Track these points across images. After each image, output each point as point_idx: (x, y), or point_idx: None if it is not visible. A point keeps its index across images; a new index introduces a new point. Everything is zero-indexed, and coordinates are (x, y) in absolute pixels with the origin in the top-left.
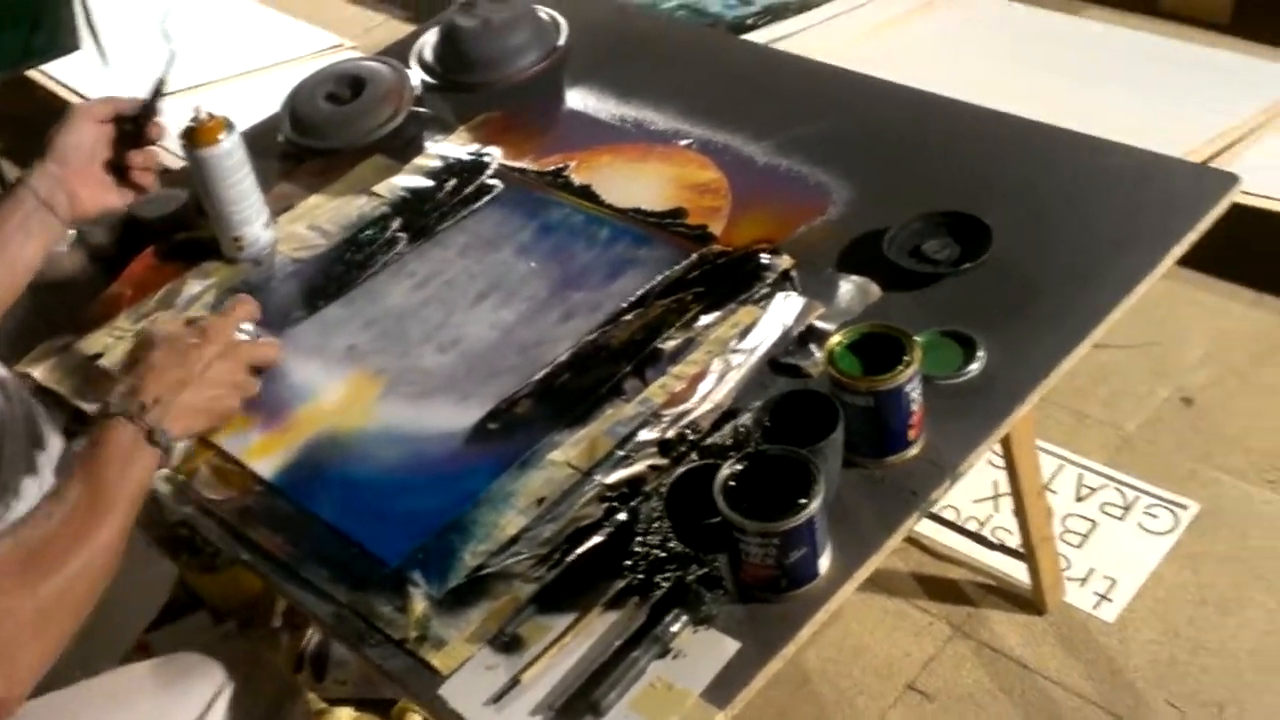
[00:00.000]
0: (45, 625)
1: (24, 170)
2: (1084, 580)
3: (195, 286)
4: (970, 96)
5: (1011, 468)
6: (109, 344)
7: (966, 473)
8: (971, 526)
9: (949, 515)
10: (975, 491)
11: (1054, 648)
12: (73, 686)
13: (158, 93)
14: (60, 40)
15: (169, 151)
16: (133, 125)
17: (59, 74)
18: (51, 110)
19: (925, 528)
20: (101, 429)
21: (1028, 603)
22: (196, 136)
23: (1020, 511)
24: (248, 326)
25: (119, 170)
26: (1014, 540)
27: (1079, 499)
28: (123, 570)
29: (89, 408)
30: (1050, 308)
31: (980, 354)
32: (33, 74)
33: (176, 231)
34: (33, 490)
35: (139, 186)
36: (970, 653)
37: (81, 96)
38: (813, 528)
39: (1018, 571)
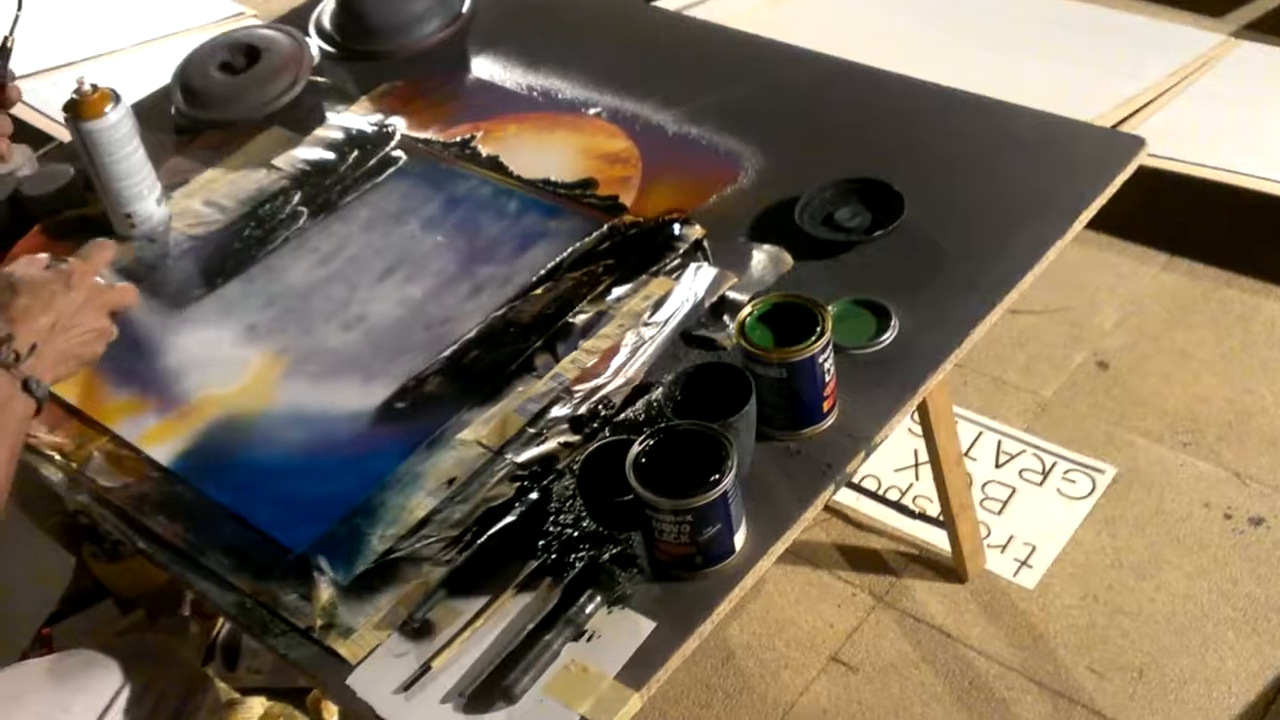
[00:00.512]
0: None
1: None
2: (1004, 547)
3: (105, 269)
4: (880, 62)
5: (930, 437)
6: None
7: (882, 443)
8: (892, 496)
9: (870, 485)
10: (896, 460)
11: (976, 616)
12: None
13: (5, 54)
14: None
15: (58, 124)
16: None
17: None
18: None
19: (846, 498)
20: None
21: (949, 571)
22: (81, 109)
23: (939, 480)
24: (105, 271)
25: None
26: (935, 509)
27: (998, 465)
28: (17, 562)
29: None
30: (962, 275)
31: (893, 323)
32: None
33: (65, 209)
34: None
35: None
36: (893, 622)
37: None
38: (726, 503)
39: (939, 540)
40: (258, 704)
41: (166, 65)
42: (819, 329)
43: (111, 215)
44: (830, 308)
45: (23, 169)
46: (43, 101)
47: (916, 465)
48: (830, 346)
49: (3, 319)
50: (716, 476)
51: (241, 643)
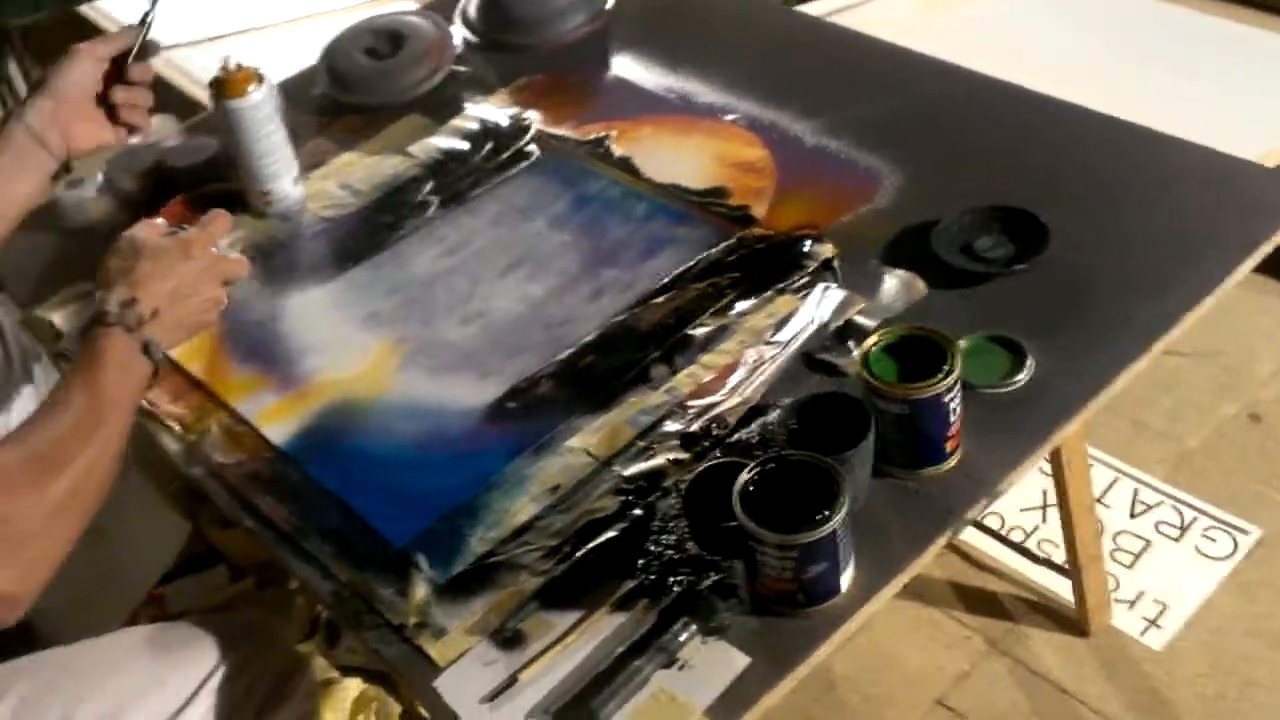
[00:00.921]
0: (53, 525)
1: (18, 106)
2: (1133, 603)
3: (222, 240)
4: (1035, 82)
5: (1060, 480)
6: None
7: (1007, 491)
8: (1016, 537)
9: (993, 523)
10: (1023, 500)
11: (1096, 673)
12: (72, 646)
13: (144, 31)
14: None
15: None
16: (125, 64)
17: (114, 11)
18: None
19: (967, 534)
20: (98, 337)
21: (1071, 623)
22: (225, 88)
23: (1068, 528)
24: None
25: (112, 108)
26: (1061, 555)
27: (1133, 515)
28: (133, 524)
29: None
30: (1108, 316)
31: (1029, 363)
32: (85, 10)
33: (207, 181)
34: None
35: (131, 125)
36: (1006, 671)
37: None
38: (835, 542)
39: (1062, 589)
40: (354, 686)
41: (317, 43)
42: (947, 366)
43: (249, 192)
44: (961, 343)
45: (168, 140)
46: (199, 69)
47: (1045, 506)
48: (958, 385)
49: (126, 282)
50: (826, 513)
51: None
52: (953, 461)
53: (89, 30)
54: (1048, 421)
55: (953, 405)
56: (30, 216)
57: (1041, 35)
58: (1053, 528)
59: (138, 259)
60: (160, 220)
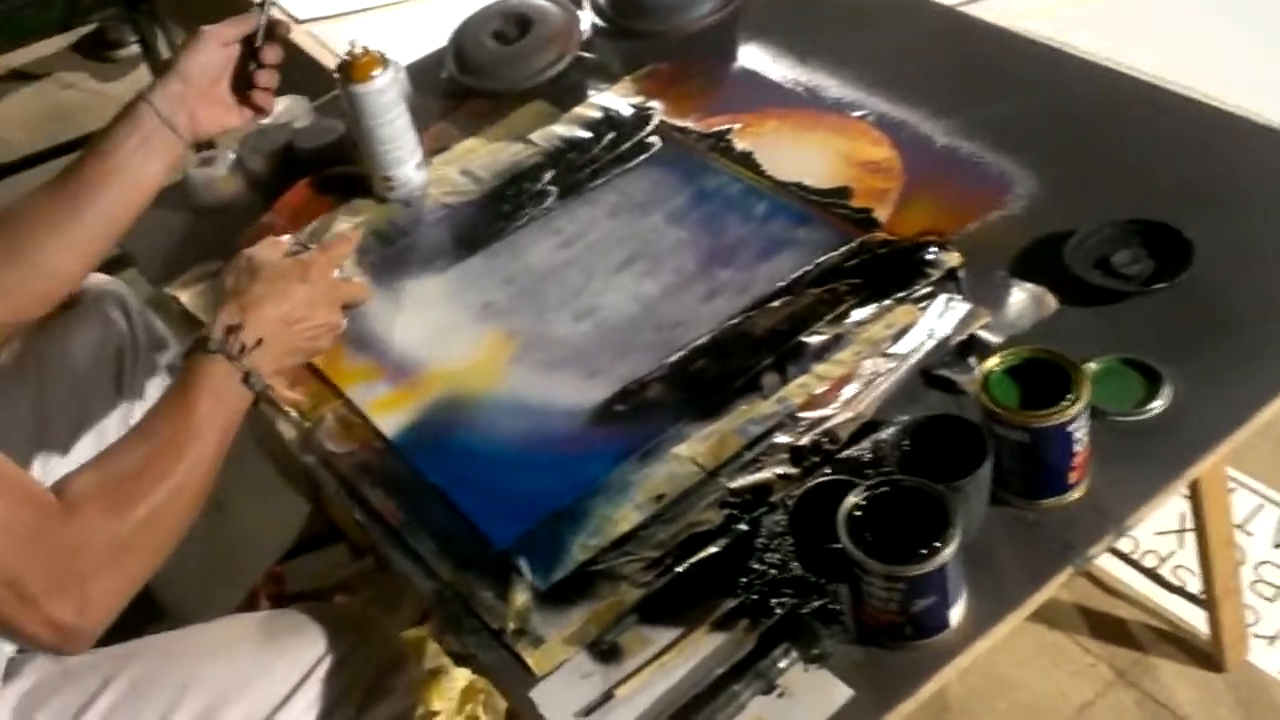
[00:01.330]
0: (124, 557)
1: (146, 89)
2: (1273, 639)
3: (344, 223)
4: (1191, 80)
5: (1198, 508)
6: None
7: (1135, 526)
8: (1149, 562)
9: (1125, 547)
10: (1158, 523)
11: (1230, 711)
12: (180, 630)
13: (265, 12)
14: None
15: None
16: (252, 46)
17: None
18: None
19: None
20: (198, 363)
21: (1205, 656)
22: (351, 72)
23: (1205, 558)
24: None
25: (239, 90)
26: (1196, 584)
27: (1277, 546)
28: (254, 505)
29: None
30: (1255, 340)
31: (1166, 389)
32: None
33: (333, 164)
34: None
35: (259, 107)
36: (1133, 703)
37: (280, 8)
38: (944, 575)
39: (1197, 620)
40: (461, 677)
41: (452, 21)
42: (1073, 394)
43: (371, 176)
44: (1093, 365)
45: (298, 120)
46: (336, 43)
47: (1182, 531)
48: (1085, 414)
49: (236, 304)
50: (937, 545)
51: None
52: (1077, 493)
53: (230, 3)
54: (1184, 453)
55: (1077, 435)
56: (160, 194)
57: (1203, 24)
58: (1189, 553)
59: (253, 280)
60: (286, 238)
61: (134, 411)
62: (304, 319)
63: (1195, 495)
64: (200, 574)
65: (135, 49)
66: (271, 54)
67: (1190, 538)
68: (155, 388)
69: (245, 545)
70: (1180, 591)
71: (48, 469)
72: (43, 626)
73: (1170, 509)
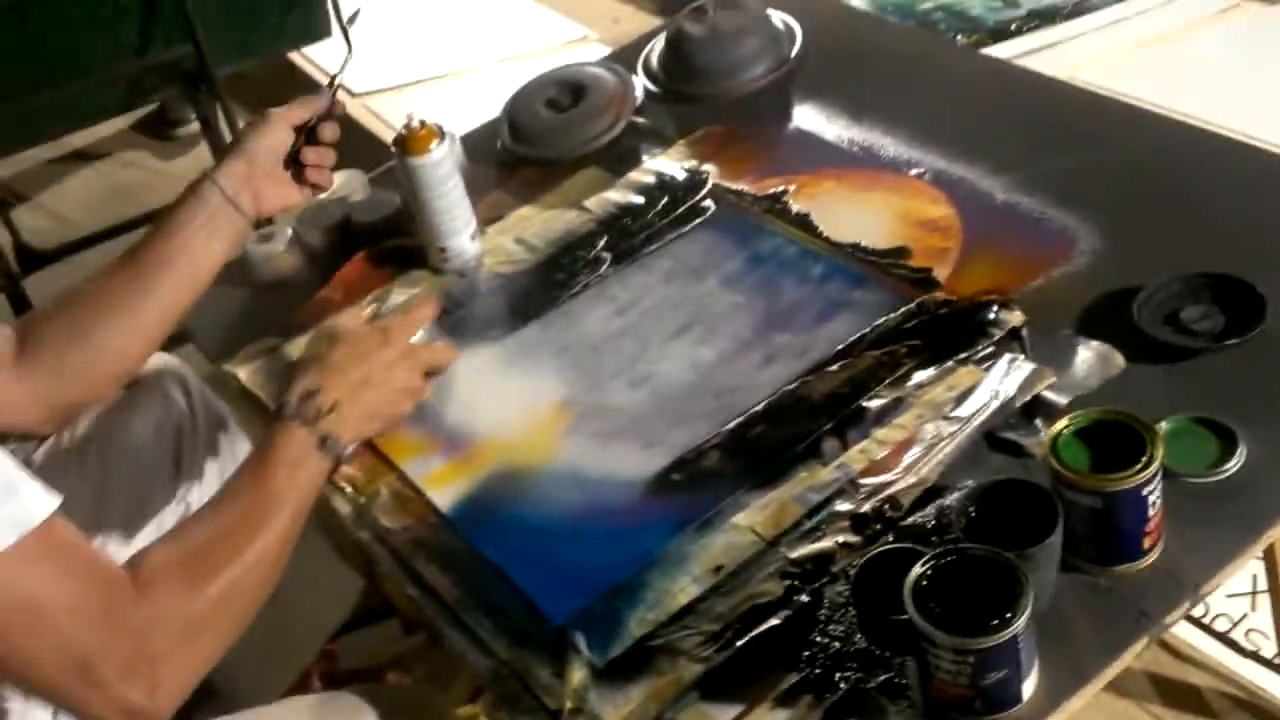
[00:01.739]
0: (197, 635)
1: (211, 169)
2: None
3: (400, 295)
4: (1260, 131)
5: (1273, 571)
6: None
7: (1212, 593)
8: (1221, 626)
9: (1196, 610)
10: (1230, 585)
11: None
12: (237, 715)
13: (334, 94)
14: (310, 27)
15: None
16: (313, 125)
17: (318, 58)
18: (309, 93)
19: None
20: (274, 431)
21: None
22: (407, 145)
23: (1279, 622)
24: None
25: (299, 168)
26: (1271, 648)
27: None
28: (308, 581)
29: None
30: None
31: (1241, 449)
32: (294, 56)
33: (389, 236)
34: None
35: (317, 185)
36: None
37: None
38: (1016, 647)
39: (1272, 685)
40: None
41: (509, 87)
42: (1146, 456)
43: (427, 248)
44: (1164, 425)
45: (355, 194)
46: (392, 114)
47: (1254, 593)
48: (1159, 477)
49: (315, 370)
50: (1009, 616)
51: None
52: (1151, 558)
53: (293, 77)
54: (1262, 515)
55: (1152, 499)
56: (220, 270)
57: (1268, 71)
58: (1263, 616)
59: (331, 346)
60: (368, 310)
61: (192, 491)
62: (384, 382)
63: (1270, 556)
64: (253, 651)
65: (195, 127)
66: (330, 132)
67: (1263, 600)
68: (214, 467)
69: (299, 622)
70: (1254, 656)
71: (108, 548)
72: (112, 709)
73: (1243, 570)
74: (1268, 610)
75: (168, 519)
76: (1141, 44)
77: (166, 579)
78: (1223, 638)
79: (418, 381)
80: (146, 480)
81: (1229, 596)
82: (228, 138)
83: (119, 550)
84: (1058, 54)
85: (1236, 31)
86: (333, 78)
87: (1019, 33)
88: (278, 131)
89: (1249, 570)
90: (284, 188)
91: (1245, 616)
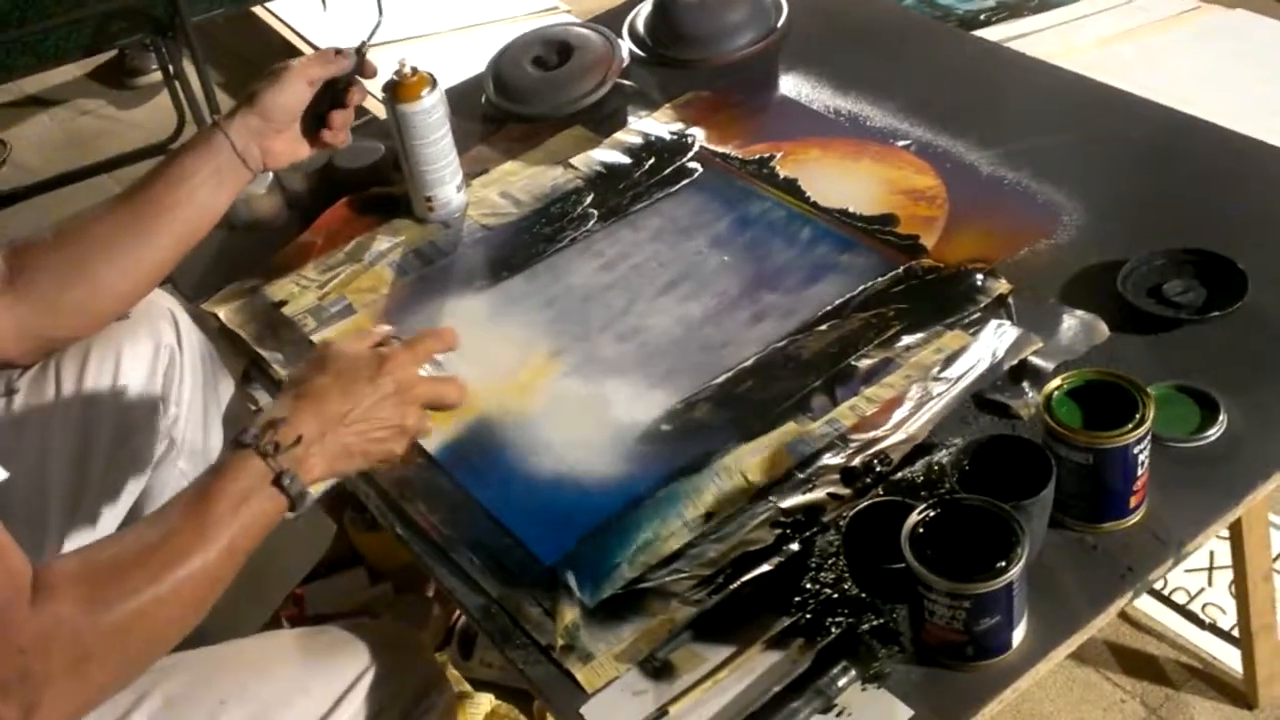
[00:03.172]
0: (87, 666)
1: (222, 115)
2: None
3: (384, 243)
4: (1232, 123)
5: (1237, 543)
6: (294, 292)
7: (1194, 552)
8: (1180, 599)
9: (1156, 584)
10: (1189, 560)
11: None
12: (217, 646)
13: (361, 56)
14: None
15: (375, 99)
16: (335, 85)
17: (283, 13)
18: (270, 49)
19: None
20: (229, 457)
21: (1237, 693)
22: (399, 91)
23: (1241, 593)
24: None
25: (313, 125)
26: (1228, 621)
27: None
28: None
29: (268, 355)
30: None
31: (1222, 417)
32: (258, 11)
33: (372, 184)
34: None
35: (331, 144)
36: None
37: (302, 38)
38: (1010, 594)
39: (1229, 657)
40: (486, 701)
41: (480, 53)
42: (1139, 415)
43: (413, 197)
44: (1150, 391)
45: None
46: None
47: (1211, 568)
48: (1149, 436)
49: (291, 395)
50: (1004, 564)
51: (479, 634)
52: (1136, 517)
53: (256, 32)
54: (1241, 481)
55: (1141, 458)
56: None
57: (1242, 75)
58: (1219, 591)
59: (320, 371)
60: (384, 328)
61: (176, 426)
62: (367, 419)
63: (1235, 528)
64: (225, 593)
65: (155, 77)
66: (357, 95)
67: (1219, 575)
68: (198, 403)
69: (270, 566)
70: (1212, 628)
71: (89, 482)
72: None
73: (1201, 547)
74: (1224, 585)
75: (152, 453)
76: (1102, 41)
77: (67, 593)
78: (1182, 610)
79: (412, 420)
80: (131, 413)
81: (1187, 571)
82: (196, 87)
83: (100, 488)
84: (1023, 46)
85: (1196, 32)
86: (362, 42)
87: (987, 24)
88: (295, 87)
89: (1207, 546)
90: (294, 144)
91: (1203, 590)
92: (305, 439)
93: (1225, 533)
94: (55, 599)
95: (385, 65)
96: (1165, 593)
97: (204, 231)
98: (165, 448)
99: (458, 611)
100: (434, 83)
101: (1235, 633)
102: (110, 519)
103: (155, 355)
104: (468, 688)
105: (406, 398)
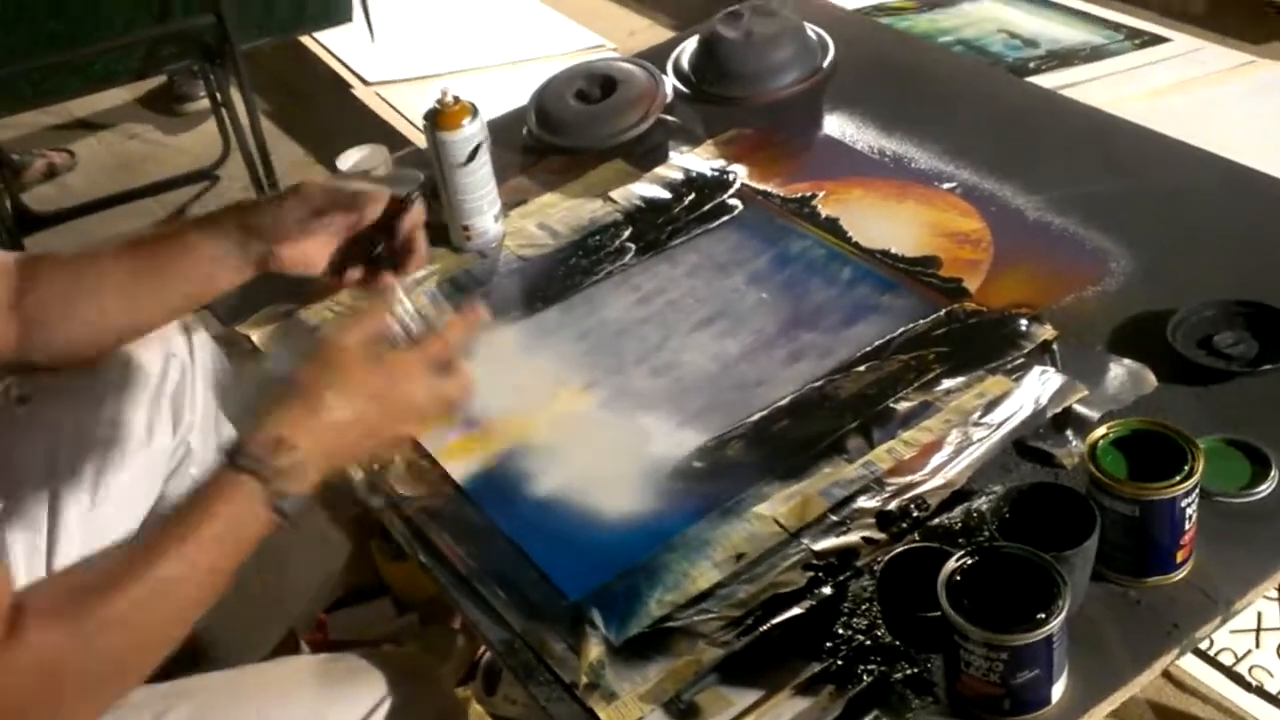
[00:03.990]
0: (61, 689)
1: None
2: None
3: (420, 270)
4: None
5: None
6: (328, 317)
7: (1242, 611)
8: (1226, 660)
9: (1201, 644)
10: (1235, 621)
11: None
12: (237, 670)
13: (404, 213)
14: (333, 9)
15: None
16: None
17: (330, 43)
18: (318, 78)
19: None
20: (224, 475)
21: None
22: (440, 120)
23: None
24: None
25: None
26: (1275, 685)
27: None
28: (295, 540)
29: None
30: None
31: (1273, 473)
32: (306, 40)
33: None
34: None
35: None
36: None
37: (348, 68)
38: (1050, 647)
39: None
40: None
41: (523, 88)
42: (1188, 467)
43: (450, 225)
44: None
45: (378, 169)
46: (407, 106)
47: (1259, 630)
48: (1197, 490)
49: (287, 408)
50: (1044, 615)
51: (503, 670)
52: (1183, 573)
53: (307, 58)
54: None
55: (1189, 511)
56: None
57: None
58: (1267, 654)
59: (319, 372)
60: (401, 310)
61: (180, 426)
62: (364, 434)
63: None
64: (241, 612)
65: (202, 104)
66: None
67: (1268, 638)
68: (210, 410)
69: (283, 586)
70: (1259, 691)
71: (101, 489)
72: None
73: (1249, 607)
74: (1272, 647)
75: (166, 462)
76: (1155, 93)
77: (42, 623)
78: (1228, 671)
79: (408, 427)
80: (143, 422)
81: (1233, 632)
82: (242, 114)
83: (114, 497)
84: (1072, 95)
85: (1251, 87)
86: (408, 193)
87: (1036, 71)
88: (317, 243)
89: (1253, 608)
90: (308, 253)
91: (1250, 652)
92: (304, 454)
93: (1274, 593)
94: (32, 628)
95: (422, 99)
96: (1211, 653)
97: (217, 294)
98: (180, 457)
99: (483, 647)
100: (475, 112)
101: None
102: (124, 528)
103: (166, 364)
104: None
105: (411, 413)
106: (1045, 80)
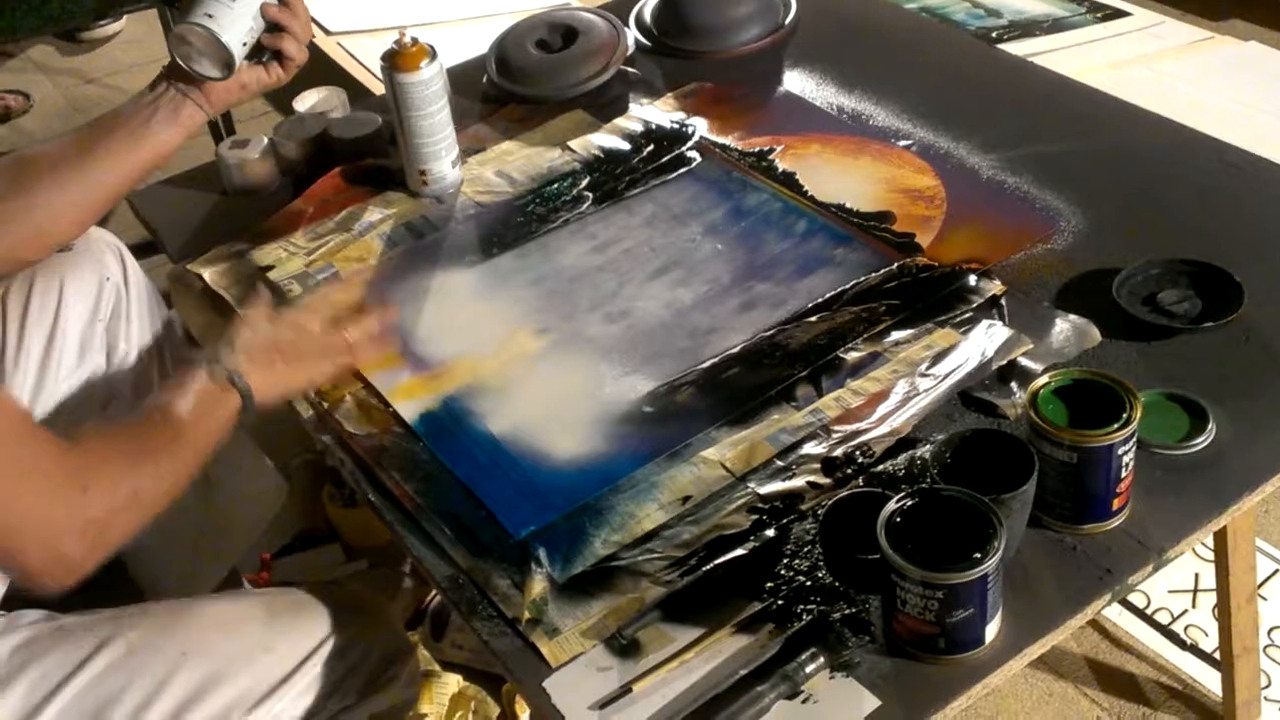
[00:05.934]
0: (138, 500)
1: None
2: None
3: (375, 214)
4: (1236, 142)
5: (1222, 564)
6: (281, 257)
7: (1174, 559)
8: (1162, 619)
9: (1138, 601)
10: (1173, 581)
11: None
12: (184, 600)
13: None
14: None
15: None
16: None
17: None
18: None
19: (1110, 610)
20: (182, 374)
21: (1215, 716)
22: (398, 61)
23: (1224, 615)
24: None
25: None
26: (1209, 644)
27: None
28: (235, 478)
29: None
30: None
31: (1210, 426)
32: None
33: (367, 156)
34: None
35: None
36: None
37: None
38: (985, 587)
39: (1209, 679)
40: (453, 681)
41: (485, 41)
42: (1126, 415)
43: (407, 170)
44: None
45: (335, 110)
46: (366, 55)
47: (1195, 591)
48: (1134, 438)
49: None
50: (979, 555)
51: (451, 615)
52: (1118, 521)
53: None
54: (1226, 491)
55: (1126, 459)
56: (191, 176)
57: (1253, 101)
58: (1202, 614)
59: (234, 326)
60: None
61: (117, 352)
62: (290, 358)
63: (1220, 546)
64: (176, 546)
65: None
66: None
67: (1204, 598)
68: (147, 335)
69: (224, 523)
70: (1193, 649)
71: (39, 414)
72: (52, 559)
73: (1185, 569)
74: (1208, 608)
75: (102, 388)
76: (1114, 65)
77: (101, 450)
78: (1164, 629)
79: (326, 360)
80: (78, 346)
81: (1171, 592)
82: None
83: (52, 424)
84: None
85: (1208, 61)
86: None
87: (998, 41)
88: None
89: (1191, 569)
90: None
91: (1185, 612)
92: (241, 350)
93: (1211, 555)
94: (93, 451)
95: (372, 53)
96: (1148, 611)
97: (150, 163)
98: (117, 383)
99: (431, 592)
100: (433, 54)
101: (1217, 655)
102: None
103: (100, 289)
104: (437, 669)
105: (313, 340)
106: (1007, 49)
